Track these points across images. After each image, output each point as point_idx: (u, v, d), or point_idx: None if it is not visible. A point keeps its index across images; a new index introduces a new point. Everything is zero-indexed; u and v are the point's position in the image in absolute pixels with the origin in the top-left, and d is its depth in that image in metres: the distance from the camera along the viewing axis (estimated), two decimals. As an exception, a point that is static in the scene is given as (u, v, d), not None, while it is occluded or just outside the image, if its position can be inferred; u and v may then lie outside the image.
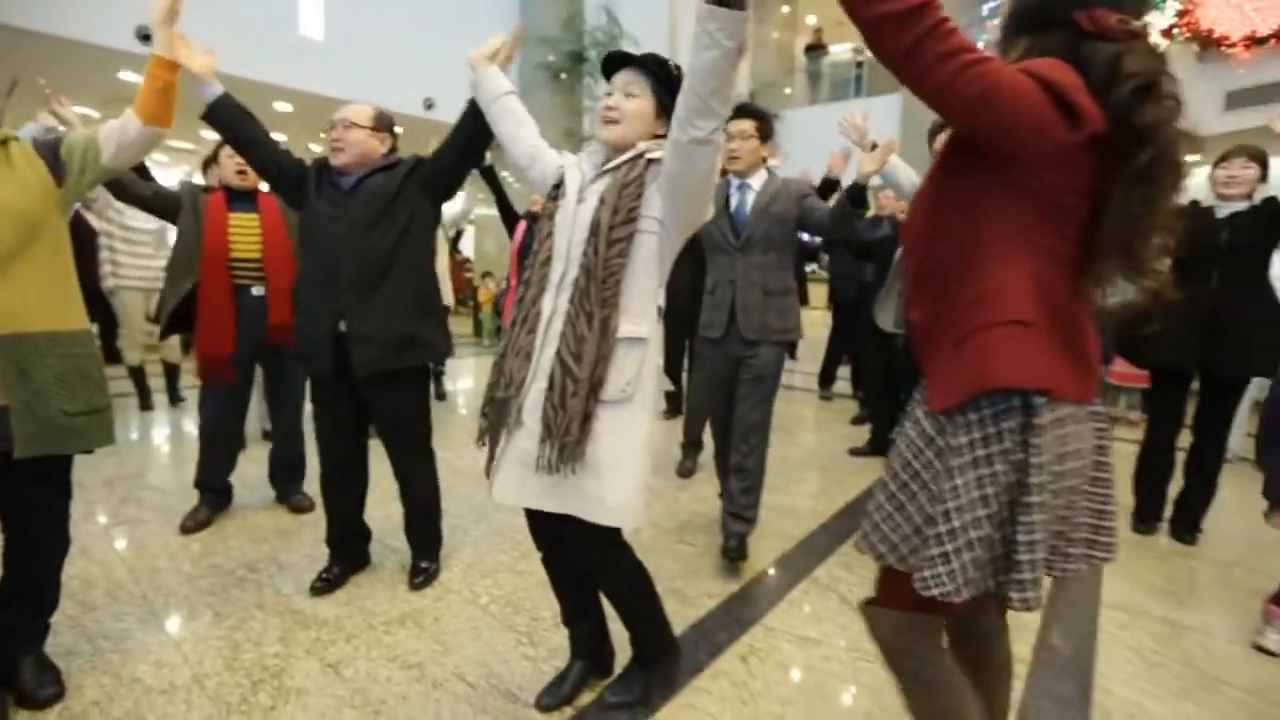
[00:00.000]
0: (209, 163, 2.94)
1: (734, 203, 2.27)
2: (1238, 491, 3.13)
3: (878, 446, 3.64)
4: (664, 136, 1.29)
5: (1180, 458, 2.68)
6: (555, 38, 8.49)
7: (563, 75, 8.66)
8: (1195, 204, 2.59)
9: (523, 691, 1.62)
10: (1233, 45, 6.70)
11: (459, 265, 7.73)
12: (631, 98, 1.36)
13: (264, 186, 2.44)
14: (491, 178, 3.64)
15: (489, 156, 3.57)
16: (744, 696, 1.63)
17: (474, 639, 1.84)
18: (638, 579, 1.50)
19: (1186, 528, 2.63)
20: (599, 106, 1.40)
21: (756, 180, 2.25)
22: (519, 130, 1.56)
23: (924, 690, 1.08)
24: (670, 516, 2.73)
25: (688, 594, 2.09)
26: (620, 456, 1.30)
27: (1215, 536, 2.67)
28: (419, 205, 1.95)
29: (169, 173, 9.82)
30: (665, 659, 1.60)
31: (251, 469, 3.00)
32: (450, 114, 1.99)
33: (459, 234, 5.66)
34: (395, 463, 2.08)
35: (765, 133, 2.23)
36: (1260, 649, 1.88)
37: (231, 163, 2.44)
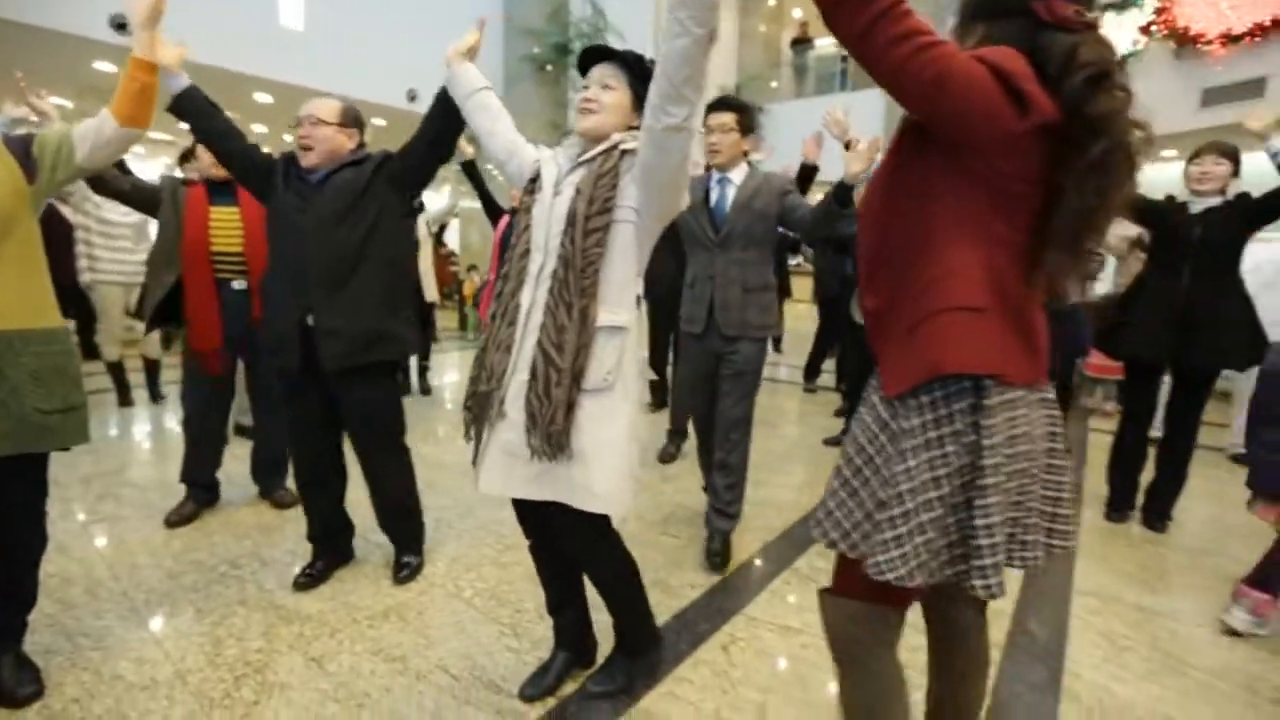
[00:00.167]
0: (187, 156, 2.90)
1: (714, 197, 2.24)
2: (1207, 481, 3.21)
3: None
4: (639, 128, 1.31)
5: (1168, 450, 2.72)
6: (540, 30, 8.44)
7: (548, 67, 8.60)
8: (1171, 199, 2.65)
9: (506, 683, 1.63)
10: (1209, 43, 6.81)
11: (443, 259, 7.67)
12: (608, 90, 1.37)
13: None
14: (473, 173, 3.62)
15: (470, 151, 3.56)
16: (724, 685, 1.65)
17: (458, 632, 1.85)
18: (625, 567, 1.52)
19: (1158, 516, 2.70)
20: (576, 100, 1.41)
21: (737, 174, 2.22)
22: (495, 125, 1.56)
23: (864, 683, 1.08)
24: (654, 509, 2.75)
25: (671, 585, 2.12)
26: (605, 444, 1.32)
27: (1185, 524, 2.74)
28: (387, 200, 1.94)
29: (147, 165, 9.67)
30: (648, 648, 1.63)
31: (234, 465, 2.98)
32: (434, 106, 1.98)
33: (443, 228, 5.62)
34: (364, 459, 2.07)
35: (746, 126, 2.20)
36: (1227, 628, 1.94)
37: (209, 155, 2.41)
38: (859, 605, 1.04)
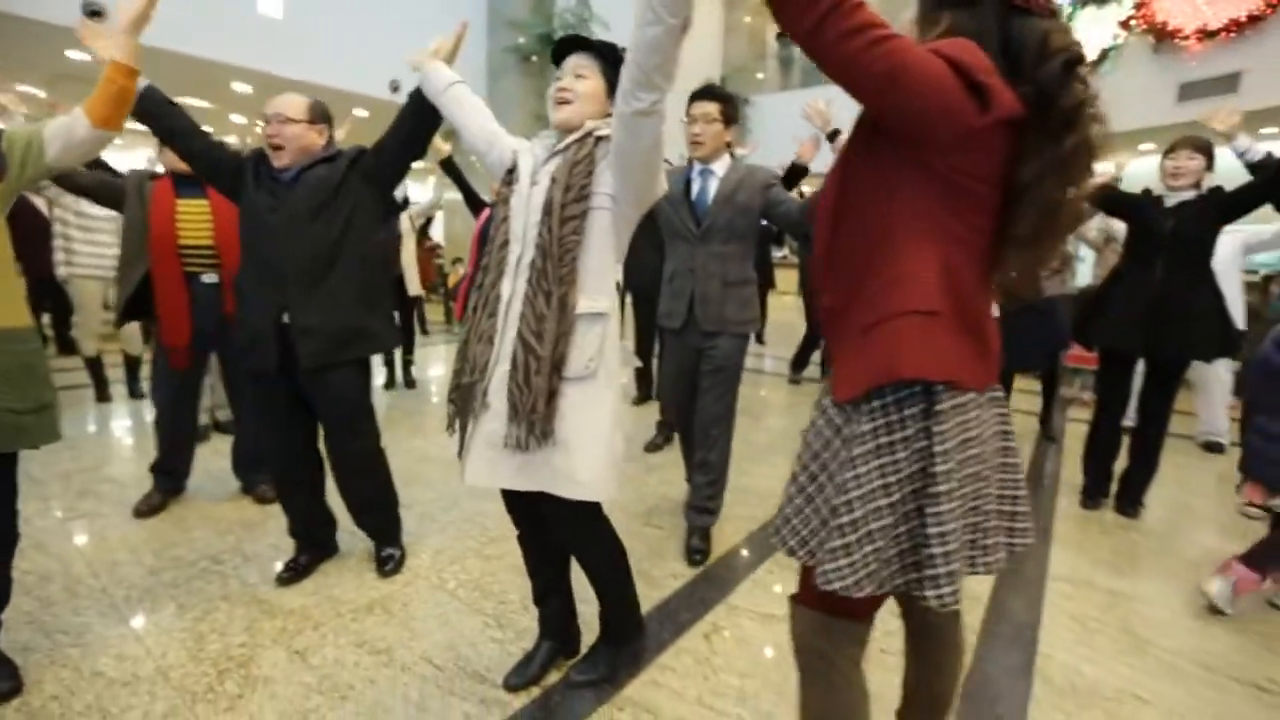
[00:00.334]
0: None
1: (695, 189, 2.20)
2: (1177, 469, 3.30)
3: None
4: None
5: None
6: (524, 21, 8.36)
7: (533, 59, 8.54)
8: (1147, 192, 2.69)
9: (490, 673, 1.65)
10: (1186, 38, 6.91)
11: (428, 252, 7.62)
12: (582, 79, 1.39)
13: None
14: (451, 169, 3.61)
15: (447, 149, 3.54)
16: (706, 671, 1.68)
17: (442, 624, 1.86)
18: (615, 553, 1.55)
19: (1130, 502, 2.76)
20: (550, 91, 1.41)
21: (720, 166, 2.18)
22: (470, 118, 1.57)
23: (824, 695, 1.04)
24: (638, 501, 2.77)
25: (654, 575, 2.14)
26: (589, 432, 1.33)
27: (1156, 510, 2.81)
28: (361, 197, 1.93)
29: (127, 156, 9.47)
30: (632, 637, 1.65)
31: (215, 460, 2.96)
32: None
33: (429, 221, 5.57)
34: (335, 454, 2.06)
35: (730, 116, 2.16)
36: (1204, 595, 2.01)
37: None
38: (821, 616, 1.01)
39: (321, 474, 2.14)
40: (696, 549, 2.26)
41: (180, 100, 1.95)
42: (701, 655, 1.75)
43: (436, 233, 9.96)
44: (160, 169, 2.60)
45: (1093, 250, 4.06)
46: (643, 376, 4.40)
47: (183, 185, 2.42)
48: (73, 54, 6.09)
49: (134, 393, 4.25)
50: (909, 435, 0.87)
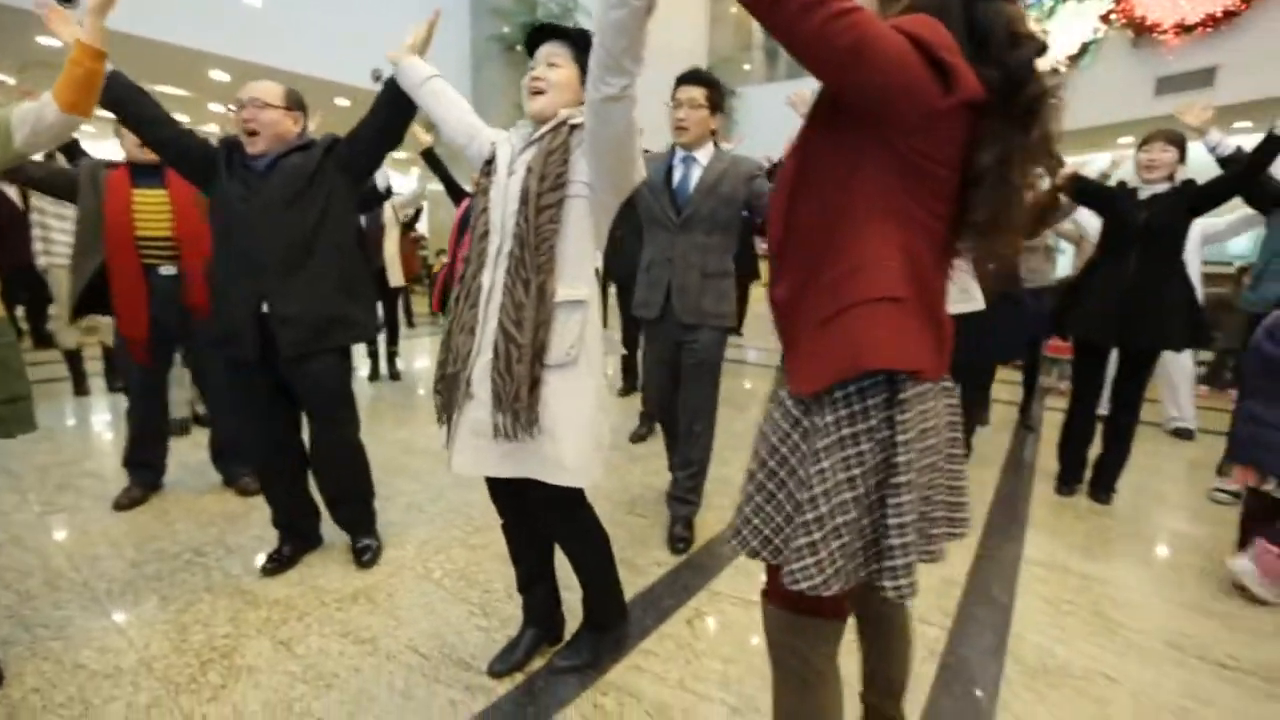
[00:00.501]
0: None
1: (677, 176, 2.17)
2: (1147, 456, 3.37)
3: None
4: None
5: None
6: (508, 9, 8.28)
7: (517, 47, 8.46)
8: (1122, 184, 2.74)
9: (475, 660, 1.66)
10: (1164, 32, 7.00)
11: (412, 244, 7.55)
12: (555, 68, 1.39)
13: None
14: (433, 160, 3.59)
15: (428, 139, 3.53)
16: (688, 656, 1.71)
17: (427, 613, 1.87)
18: (598, 540, 1.57)
19: (1103, 489, 2.83)
20: (524, 80, 1.41)
21: (704, 155, 2.15)
22: (449, 112, 1.57)
23: (798, 694, 1.02)
24: (622, 490, 2.79)
25: (637, 563, 2.16)
26: (573, 418, 1.35)
27: (1127, 496, 2.88)
28: (336, 185, 1.92)
29: (99, 145, 9.27)
30: (615, 623, 1.67)
31: (196, 453, 2.94)
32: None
33: (417, 214, 5.51)
34: (315, 444, 2.06)
35: (716, 103, 2.12)
36: (1230, 573, 2.07)
37: (133, 136, 2.33)
38: (790, 615, 0.98)
39: (304, 464, 2.14)
40: (680, 537, 2.28)
41: (158, 88, 1.92)
42: (684, 640, 1.78)
43: (421, 225, 9.88)
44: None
45: (1069, 243, 4.13)
46: (628, 367, 4.41)
47: (140, 175, 2.38)
48: (43, 40, 5.94)
49: (112, 386, 4.19)
50: (873, 425, 0.85)
